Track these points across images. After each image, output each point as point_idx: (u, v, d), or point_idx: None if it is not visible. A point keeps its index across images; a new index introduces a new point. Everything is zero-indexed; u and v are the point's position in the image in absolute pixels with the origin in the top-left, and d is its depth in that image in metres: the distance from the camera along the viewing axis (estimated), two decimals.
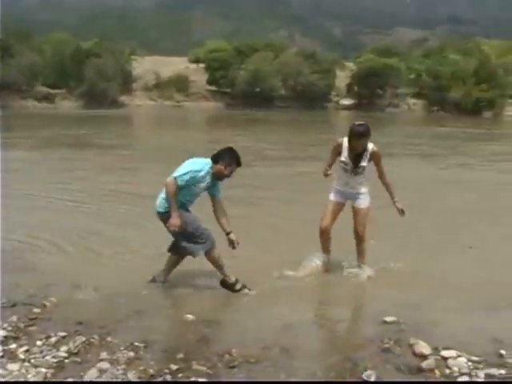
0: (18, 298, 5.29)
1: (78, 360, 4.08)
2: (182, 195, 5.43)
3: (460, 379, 3.88)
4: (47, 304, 5.16)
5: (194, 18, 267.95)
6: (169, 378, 3.84)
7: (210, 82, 62.18)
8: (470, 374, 3.95)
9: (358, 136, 5.92)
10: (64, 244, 7.40)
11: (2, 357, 4.07)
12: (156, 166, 15.19)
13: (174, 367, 3.97)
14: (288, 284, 5.86)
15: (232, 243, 5.70)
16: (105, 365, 3.98)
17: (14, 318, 4.76)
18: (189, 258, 5.73)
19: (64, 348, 4.22)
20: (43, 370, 3.89)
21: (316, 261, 6.33)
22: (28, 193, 10.70)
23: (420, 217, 8.38)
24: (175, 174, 5.36)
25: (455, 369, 4.01)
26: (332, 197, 6.34)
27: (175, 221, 5.33)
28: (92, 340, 4.40)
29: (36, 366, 3.93)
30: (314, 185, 10.83)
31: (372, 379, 3.82)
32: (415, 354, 4.25)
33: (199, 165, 5.48)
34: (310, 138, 26.05)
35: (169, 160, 17.59)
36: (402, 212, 6.24)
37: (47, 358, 4.06)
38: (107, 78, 53.97)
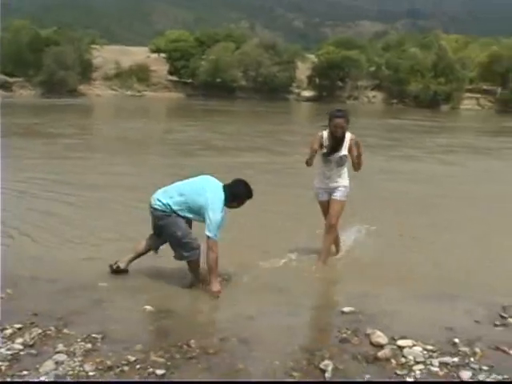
0: None
1: (34, 352, 4.02)
2: (185, 207, 5.37)
3: (415, 368, 3.95)
4: (2, 296, 5.07)
5: (155, 8, 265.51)
6: (126, 369, 3.82)
7: (171, 72, 61.92)
8: (425, 363, 4.03)
9: (337, 113, 6.12)
10: (15, 233, 7.28)
11: None
12: (102, 156, 15.22)
13: (131, 358, 3.94)
14: (248, 276, 5.87)
15: None
16: (61, 357, 3.93)
17: None
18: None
19: (19, 340, 4.15)
20: None
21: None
22: None
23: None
24: (213, 228, 5.22)
25: (410, 357, 4.08)
26: (320, 197, 6.50)
27: (217, 289, 5.30)
28: (48, 332, 4.33)
29: None
30: (259, 176, 11.00)
31: (329, 369, 3.86)
32: (372, 344, 4.30)
33: (221, 202, 5.34)
34: (263, 128, 26.21)
35: (115, 150, 17.71)
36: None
37: (2, 350, 3.98)
38: (66, 66, 53.26)
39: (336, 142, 6.17)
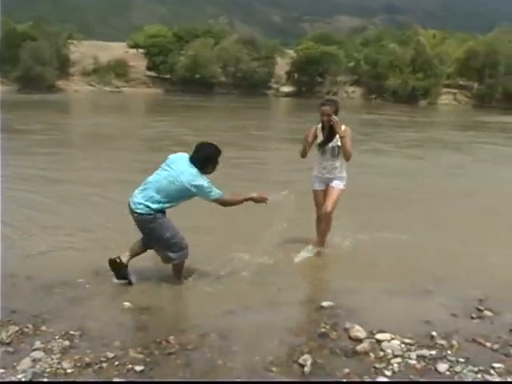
0: None
1: (11, 350, 4.00)
2: (171, 198, 5.31)
3: (393, 361, 3.99)
4: None
5: (132, 2, 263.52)
6: (105, 366, 3.80)
7: (149, 68, 61.45)
8: (402, 356, 4.07)
9: (324, 101, 6.51)
10: None
11: None
12: (69, 152, 15.07)
13: (110, 355, 3.93)
14: (227, 271, 5.86)
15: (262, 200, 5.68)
16: (39, 354, 3.91)
17: None
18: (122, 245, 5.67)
19: None
20: None
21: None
22: None
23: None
24: (213, 193, 5.29)
25: (389, 351, 4.13)
26: (316, 186, 6.67)
27: (264, 195, 5.59)
28: (25, 329, 4.31)
29: None
30: (225, 170, 10.93)
31: (308, 363, 3.88)
32: (351, 338, 4.34)
33: (198, 175, 5.29)
34: (236, 124, 26.15)
35: (84, 146, 17.56)
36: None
37: None
38: (43, 61, 52.58)
39: (328, 132, 6.37)
